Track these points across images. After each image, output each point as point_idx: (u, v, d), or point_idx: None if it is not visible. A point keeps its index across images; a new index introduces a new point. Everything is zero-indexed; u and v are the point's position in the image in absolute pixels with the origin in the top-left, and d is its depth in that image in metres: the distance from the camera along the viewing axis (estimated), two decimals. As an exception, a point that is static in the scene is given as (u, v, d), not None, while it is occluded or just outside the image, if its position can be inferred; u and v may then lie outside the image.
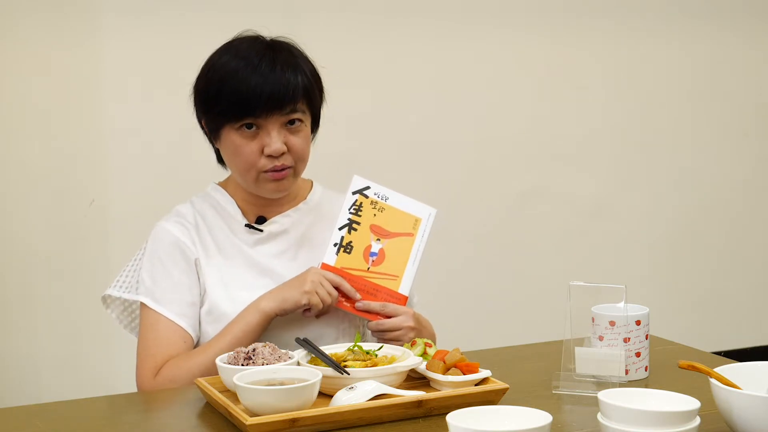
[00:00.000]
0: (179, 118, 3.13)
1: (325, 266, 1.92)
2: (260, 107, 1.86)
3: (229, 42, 1.95)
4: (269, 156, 1.89)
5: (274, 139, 1.88)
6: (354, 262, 1.94)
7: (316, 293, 1.87)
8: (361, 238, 1.95)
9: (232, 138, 1.90)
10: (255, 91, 1.85)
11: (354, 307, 1.92)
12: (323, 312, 1.91)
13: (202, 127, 1.99)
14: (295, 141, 1.91)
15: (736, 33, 4.02)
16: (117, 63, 3.15)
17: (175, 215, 1.99)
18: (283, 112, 1.88)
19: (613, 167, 3.91)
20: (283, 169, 1.91)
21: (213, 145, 2.00)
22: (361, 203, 1.96)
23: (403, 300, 1.95)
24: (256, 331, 1.87)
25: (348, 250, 1.94)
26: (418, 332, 1.93)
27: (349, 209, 1.96)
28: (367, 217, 1.96)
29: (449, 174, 3.64)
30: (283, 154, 1.89)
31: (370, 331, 1.94)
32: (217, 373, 1.70)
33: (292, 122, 1.90)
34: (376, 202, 1.97)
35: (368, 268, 1.95)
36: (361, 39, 3.47)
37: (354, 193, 1.97)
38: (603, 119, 3.88)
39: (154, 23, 3.18)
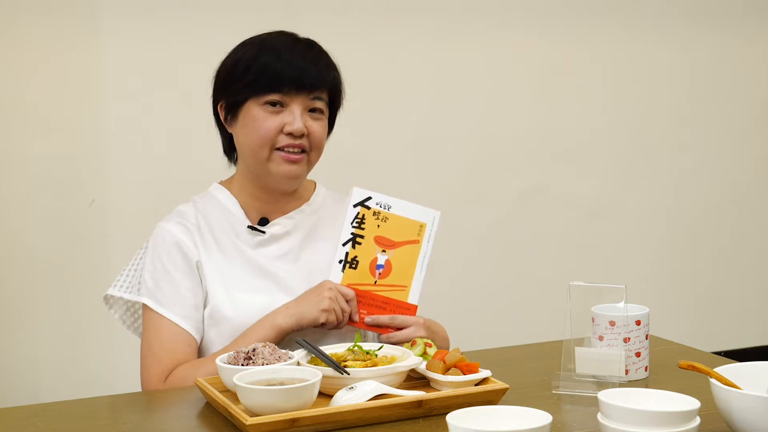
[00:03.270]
0: (179, 118, 3.16)
1: None
2: (289, 83, 1.88)
3: (258, 35, 1.97)
4: (289, 134, 1.90)
5: (297, 118, 1.90)
6: (361, 277, 1.92)
7: (334, 311, 1.87)
8: (366, 251, 1.93)
9: (254, 112, 1.91)
10: (286, 67, 1.89)
11: (363, 323, 1.91)
12: (338, 327, 1.90)
13: (217, 113, 1.99)
14: (316, 127, 1.93)
15: (737, 33, 4.02)
16: (117, 63, 3.15)
17: (177, 215, 1.98)
18: (310, 95, 1.91)
19: (613, 167, 3.91)
20: (297, 152, 1.91)
21: (223, 133, 2.00)
22: (363, 215, 1.93)
23: (413, 309, 1.94)
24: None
25: (354, 266, 1.92)
26: (431, 340, 1.92)
27: (352, 223, 1.93)
28: (370, 229, 1.94)
29: (449, 174, 3.64)
30: (302, 135, 1.91)
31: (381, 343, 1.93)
32: None
33: (313, 110, 1.93)
34: (379, 212, 1.94)
35: (375, 282, 1.93)
36: (361, 39, 3.47)
37: (355, 206, 1.94)
38: (603, 119, 3.88)
39: (154, 23, 3.18)
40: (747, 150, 4.11)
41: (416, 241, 1.96)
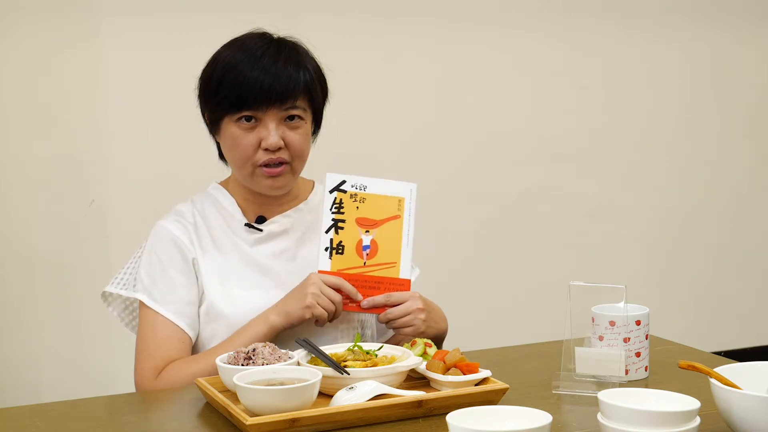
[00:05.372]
0: (179, 118, 3.15)
1: (322, 273, 1.90)
2: (259, 100, 1.87)
3: (236, 37, 1.96)
4: (266, 149, 1.89)
5: (272, 132, 1.89)
6: (349, 261, 1.92)
7: (318, 305, 1.86)
8: (349, 234, 1.93)
9: (231, 130, 1.91)
10: (255, 83, 1.86)
11: (360, 307, 1.91)
12: (334, 317, 1.90)
13: (205, 120, 2.00)
14: (293, 137, 1.91)
15: (736, 33, 4.02)
16: (117, 63, 3.15)
17: (175, 214, 2.00)
18: (282, 106, 1.89)
19: (613, 167, 3.91)
20: (279, 165, 1.91)
21: (214, 139, 2.01)
22: (341, 200, 1.94)
23: (407, 284, 1.94)
24: (262, 342, 1.86)
25: (340, 251, 1.92)
26: (428, 313, 1.92)
27: (331, 209, 1.93)
28: (350, 212, 1.94)
29: (449, 174, 3.64)
30: (280, 149, 1.90)
31: (383, 325, 1.93)
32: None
33: (291, 118, 1.91)
34: (356, 194, 1.95)
35: (364, 263, 1.93)
36: (362, 39, 3.47)
37: (331, 191, 1.94)
38: (603, 119, 3.88)
39: (154, 23, 3.18)
40: (747, 150, 4.11)
41: (397, 216, 1.96)
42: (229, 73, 1.89)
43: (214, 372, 1.75)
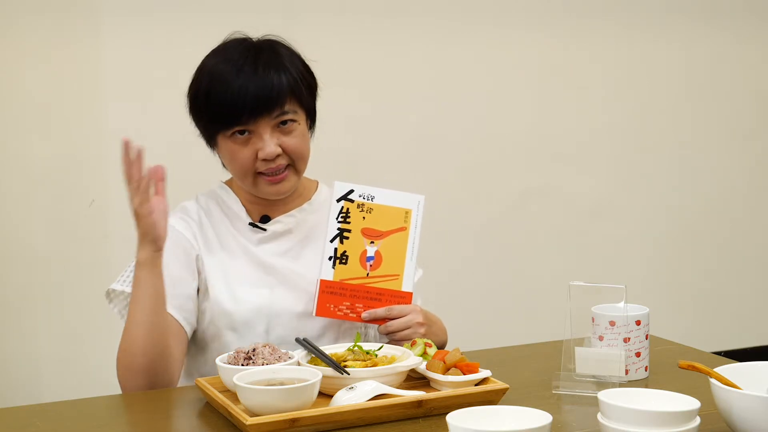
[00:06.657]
0: (179, 119, 3.14)
1: (323, 282, 1.90)
2: (246, 113, 1.86)
3: (218, 46, 1.95)
4: (264, 159, 1.89)
5: (267, 142, 1.88)
6: (352, 271, 1.92)
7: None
8: (354, 245, 1.93)
9: (227, 145, 1.91)
10: (239, 96, 1.85)
11: (360, 318, 1.91)
12: None
13: (201, 134, 1.99)
14: (290, 141, 1.90)
15: (736, 33, 4.02)
16: (117, 63, 3.15)
17: (180, 211, 2.01)
18: (272, 114, 1.88)
19: (613, 167, 3.91)
20: (279, 172, 1.91)
21: (213, 151, 2.01)
22: (348, 209, 1.93)
23: (408, 297, 1.94)
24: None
25: (344, 261, 1.92)
26: (428, 327, 1.92)
27: (337, 218, 1.93)
28: (356, 222, 1.93)
29: (449, 174, 3.64)
30: (278, 156, 1.89)
31: (381, 334, 1.93)
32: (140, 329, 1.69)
33: (284, 123, 1.90)
34: (363, 204, 1.94)
35: (367, 274, 1.93)
36: (362, 39, 3.47)
37: (339, 200, 1.94)
38: (603, 119, 3.88)
39: (153, 23, 3.18)
40: (747, 149, 4.11)
41: (403, 228, 1.95)
42: (212, 89, 1.88)
43: (140, 312, 1.75)
